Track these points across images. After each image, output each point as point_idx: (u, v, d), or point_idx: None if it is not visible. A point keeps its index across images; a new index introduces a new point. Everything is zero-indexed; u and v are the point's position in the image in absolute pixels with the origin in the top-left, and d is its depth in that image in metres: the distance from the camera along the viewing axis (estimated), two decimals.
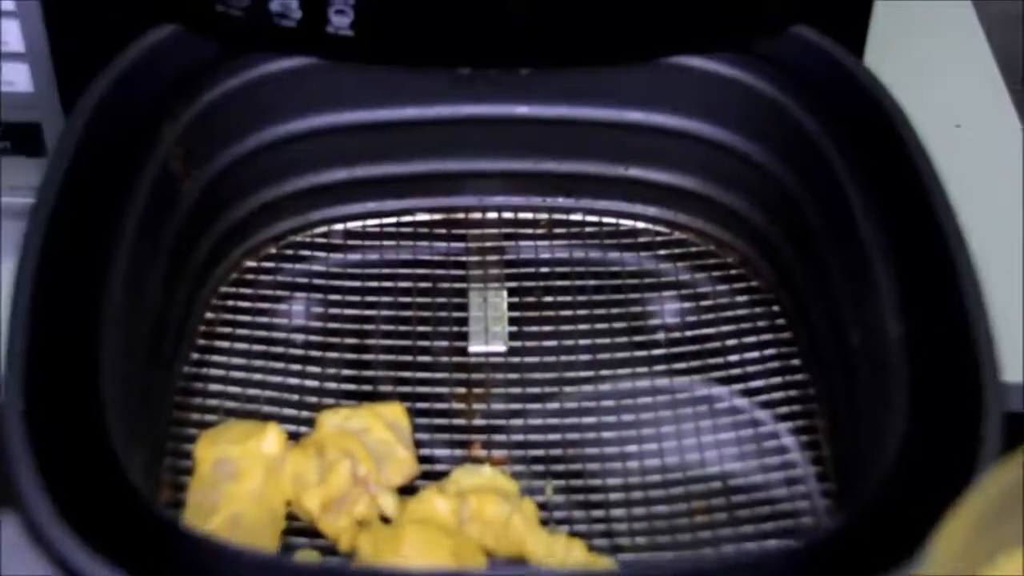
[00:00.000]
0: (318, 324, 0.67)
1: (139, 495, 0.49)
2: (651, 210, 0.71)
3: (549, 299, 0.68)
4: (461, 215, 0.72)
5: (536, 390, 0.65)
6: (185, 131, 0.63)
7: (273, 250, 0.70)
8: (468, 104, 0.68)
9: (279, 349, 0.66)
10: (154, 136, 0.62)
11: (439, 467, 0.62)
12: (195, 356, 0.65)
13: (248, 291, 0.68)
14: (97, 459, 0.50)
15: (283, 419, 0.63)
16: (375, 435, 0.61)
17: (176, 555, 0.48)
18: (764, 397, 0.65)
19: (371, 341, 0.67)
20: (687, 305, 0.68)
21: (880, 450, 0.53)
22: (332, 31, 0.62)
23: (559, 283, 0.69)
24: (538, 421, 0.64)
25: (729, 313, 0.68)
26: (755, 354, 0.66)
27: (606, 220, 0.71)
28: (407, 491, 0.61)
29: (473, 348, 0.67)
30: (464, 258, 0.70)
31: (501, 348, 0.67)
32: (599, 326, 0.68)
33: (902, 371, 0.53)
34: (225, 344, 0.66)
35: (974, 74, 0.83)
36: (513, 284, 0.69)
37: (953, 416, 0.52)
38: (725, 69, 0.66)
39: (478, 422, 0.64)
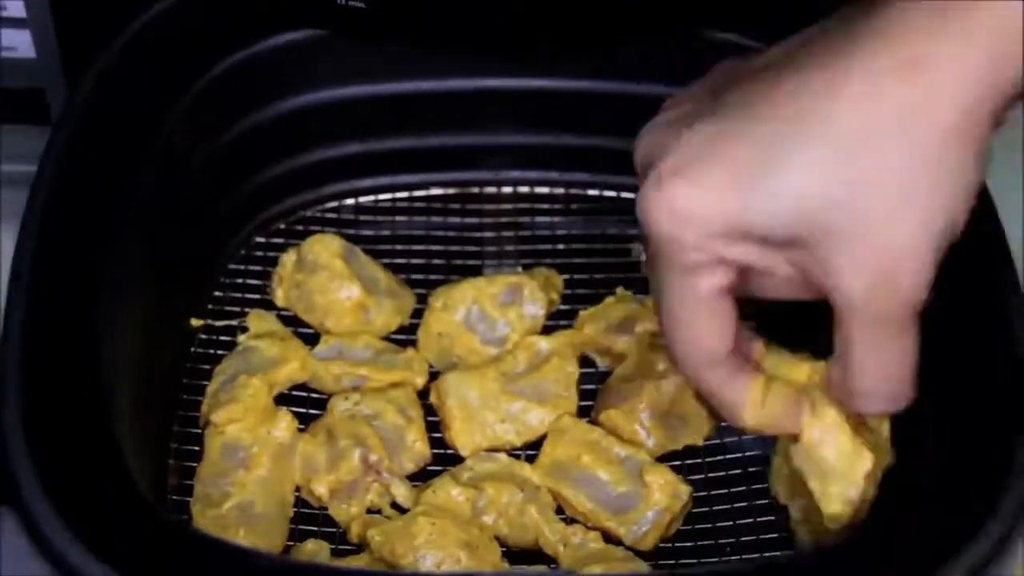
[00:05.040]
0: None
1: (141, 494, 0.48)
2: None
3: (566, 276, 0.67)
4: (476, 189, 0.70)
5: None
6: (192, 104, 0.62)
7: (283, 225, 0.68)
8: (485, 77, 0.66)
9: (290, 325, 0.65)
10: (160, 109, 0.61)
11: (451, 452, 0.61)
12: (203, 336, 0.64)
13: (258, 268, 0.67)
14: (98, 454, 0.49)
15: (293, 402, 0.62)
16: (387, 420, 0.60)
17: (177, 555, 0.47)
18: None
19: None
20: None
21: (912, 448, 0.51)
22: (343, 2, 0.60)
23: (576, 260, 0.68)
24: None
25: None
26: (774, 340, 0.64)
27: (624, 195, 0.70)
28: (419, 476, 0.60)
29: None
30: (479, 234, 0.69)
31: None
32: None
33: (935, 365, 0.52)
34: (234, 322, 0.64)
35: None
36: (528, 261, 0.68)
37: (990, 419, 0.50)
38: (748, 42, 0.64)
39: None
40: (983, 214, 0.56)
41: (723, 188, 0.46)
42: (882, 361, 0.47)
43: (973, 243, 0.55)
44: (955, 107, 0.44)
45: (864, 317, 0.46)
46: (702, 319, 0.49)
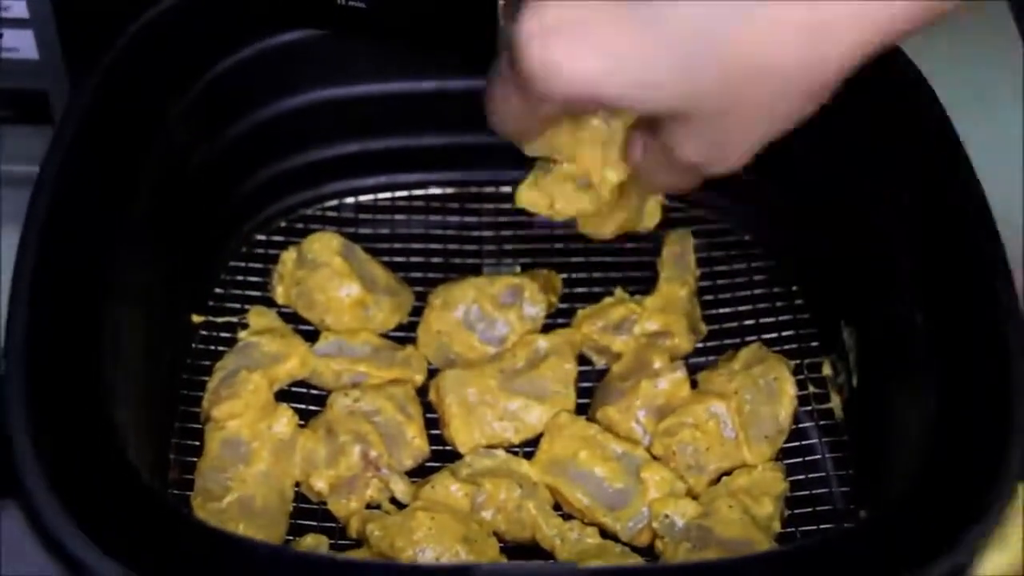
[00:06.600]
0: None
1: (146, 486, 0.49)
2: None
3: (564, 276, 0.67)
4: (475, 189, 0.70)
5: None
6: (194, 103, 0.62)
7: (283, 223, 0.69)
8: (484, 77, 0.66)
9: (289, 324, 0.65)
10: (162, 108, 0.61)
11: (449, 448, 0.61)
12: (204, 332, 0.64)
13: (258, 265, 0.67)
14: (101, 447, 0.49)
15: (293, 398, 0.62)
16: (386, 417, 0.61)
17: (182, 546, 0.47)
18: None
19: None
20: (704, 283, 0.67)
21: (905, 443, 0.52)
22: (343, 2, 0.61)
23: (574, 259, 0.68)
24: None
25: (746, 292, 0.67)
26: (773, 335, 0.65)
27: None
28: (418, 473, 0.60)
29: None
30: (477, 233, 0.69)
31: None
32: None
33: (929, 362, 0.52)
34: (235, 318, 0.65)
35: (1000, 48, 0.81)
36: (527, 260, 0.68)
37: (982, 412, 0.51)
38: None
39: None
40: (976, 208, 0.56)
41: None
42: None
43: (966, 246, 0.56)
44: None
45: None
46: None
